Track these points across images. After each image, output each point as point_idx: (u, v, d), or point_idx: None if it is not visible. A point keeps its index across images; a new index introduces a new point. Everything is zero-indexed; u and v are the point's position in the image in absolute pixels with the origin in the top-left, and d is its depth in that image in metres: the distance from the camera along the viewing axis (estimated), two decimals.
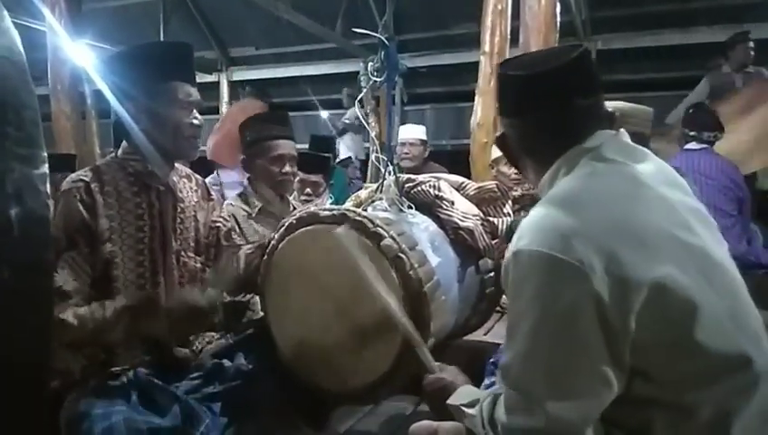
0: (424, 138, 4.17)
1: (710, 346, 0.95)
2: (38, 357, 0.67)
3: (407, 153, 4.04)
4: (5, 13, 0.69)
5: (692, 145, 3.46)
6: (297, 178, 2.79)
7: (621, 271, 0.93)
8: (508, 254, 1.03)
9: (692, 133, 3.46)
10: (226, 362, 1.61)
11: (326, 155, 2.97)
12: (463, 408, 1.17)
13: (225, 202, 2.35)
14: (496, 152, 3.33)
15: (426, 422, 1.28)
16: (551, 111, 1.11)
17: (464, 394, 1.22)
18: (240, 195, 2.39)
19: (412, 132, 4.16)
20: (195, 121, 1.59)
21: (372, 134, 5.86)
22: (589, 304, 0.93)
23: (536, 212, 1.05)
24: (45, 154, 0.70)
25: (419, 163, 4.02)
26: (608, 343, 0.94)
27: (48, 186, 0.71)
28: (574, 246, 0.95)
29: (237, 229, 2.18)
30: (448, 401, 1.21)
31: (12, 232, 0.61)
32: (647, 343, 0.95)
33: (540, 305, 0.97)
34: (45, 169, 0.68)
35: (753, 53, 4.62)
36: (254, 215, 2.31)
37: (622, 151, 1.10)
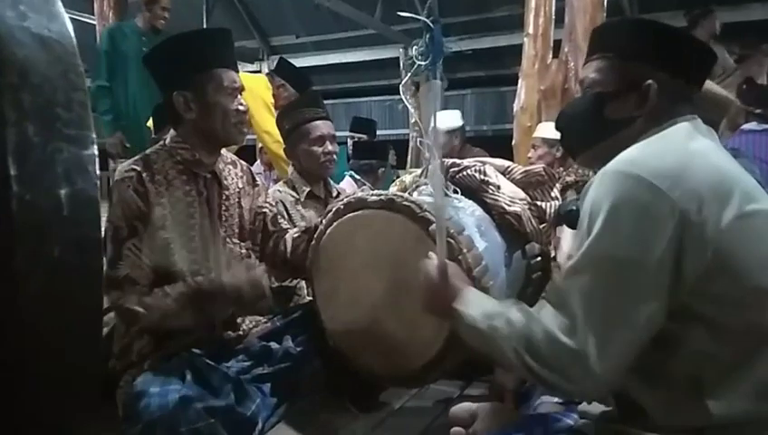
0: (457, 124, 3.96)
1: None
2: (89, 333, 0.68)
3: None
4: None
5: (752, 125, 3.17)
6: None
7: (708, 221, 0.94)
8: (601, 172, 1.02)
9: (757, 111, 3.15)
10: (274, 345, 1.64)
11: (378, 141, 2.93)
12: (474, 318, 1.07)
13: (273, 188, 2.39)
14: (538, 132, 3.33)
15: (465, 404, 1.27)
16: (696, 73, 1.14)
17: (474, 301, 1.12)
18: (287, 181, 2.41)
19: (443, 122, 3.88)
20: (241, 107, 1.61)
21: (414, 119, 5.82)
22: (669, 243, 0.93)
23: (643, 145, 1.06)
24: (94, 135, 0.70)
25: (454, 152, 3.77)
26: (671, 287, 0.94)
27: (97, 167, 0.71)
28: (673, 186, 0.95)
29: (285, 215, 2.21)
30: (455, 306, 1.11)
31: (62, 211, 0.63)
32: (719, 291, 0.95)
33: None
34: (94, 149, 0.69)
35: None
36: (302, 200, 2.33)
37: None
